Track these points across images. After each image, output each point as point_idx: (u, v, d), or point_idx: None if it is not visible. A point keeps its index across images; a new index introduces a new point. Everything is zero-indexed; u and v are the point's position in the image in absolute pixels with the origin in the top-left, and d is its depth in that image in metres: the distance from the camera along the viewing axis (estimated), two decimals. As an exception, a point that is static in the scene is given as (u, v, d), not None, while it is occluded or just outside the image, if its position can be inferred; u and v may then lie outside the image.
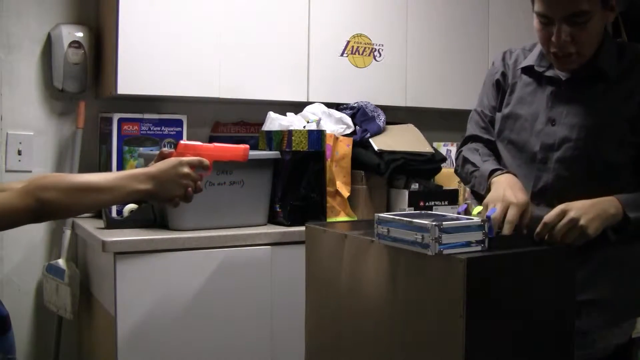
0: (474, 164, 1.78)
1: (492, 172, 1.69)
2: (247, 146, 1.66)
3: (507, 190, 1.57)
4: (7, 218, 1.25)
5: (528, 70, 1.75)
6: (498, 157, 1.80)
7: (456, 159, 1.94)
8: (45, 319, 2.59)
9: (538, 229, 1.50)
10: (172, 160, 1.48)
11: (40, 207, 1.27)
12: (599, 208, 1.49)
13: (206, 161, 1.53)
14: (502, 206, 1.54)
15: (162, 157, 1.54)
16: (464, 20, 3.10)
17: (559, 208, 1.49)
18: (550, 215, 1.49)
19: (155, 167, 1.45)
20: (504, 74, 1.81)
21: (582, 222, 1.46)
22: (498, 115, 1.80)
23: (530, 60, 1.74)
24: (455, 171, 1.95)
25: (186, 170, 1.47)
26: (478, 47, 3.13)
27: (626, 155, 1.61)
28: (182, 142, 1.60)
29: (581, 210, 1.48)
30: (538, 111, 1.69)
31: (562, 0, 1.53)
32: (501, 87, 1.81)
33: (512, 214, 1.52)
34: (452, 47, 3.08)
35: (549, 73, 1.70)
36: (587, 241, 1.51)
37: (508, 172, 1.68)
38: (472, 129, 1.89)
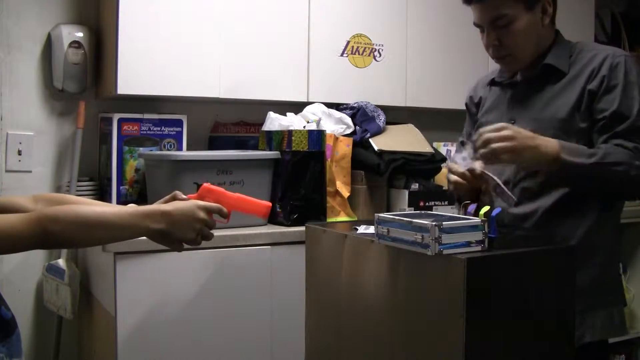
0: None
1: None
2: (270, 204, 1.63)
3: None
4: (10, 243, 1.23)
5: (493, 84, 1.92)
6: None
7: None
8: (45, 319, 2.59)
9: (476, 139, 1.59)
10: (191, 203, 1.43)
11: (46, 238, 1.24)
12: (535, 143, 1.58)
13: (225, 210, 1.49)
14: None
15: (174, 198, 1.49)
16: (464, 20, 3.08)
17: (501, 124, 1.59)
18: (490, 127, 1.58)
19: (171, 206, 1.41)
20: (470, 97, 2.01)
21: (514, 143, 1.55)
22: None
23: (493, 74, 1.93)
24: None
25: (203, 215, 1.43)
26: (478, 47, 3.10)
27: (574, 142, 1.68)
28: (205, 184, 1.55)
29: (520, 134, 1.57)
30: (502, 115, 1.83)
31: (483, 7, 1.73)
32: (470, 109, 2.01)
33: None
34: (452, 47, 3.08)
35: (507, 80, 1.86)
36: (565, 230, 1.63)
37: None
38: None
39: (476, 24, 1.79)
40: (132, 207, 1.41)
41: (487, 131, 1.57)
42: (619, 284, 1.82)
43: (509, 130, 1.56)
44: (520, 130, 1.58)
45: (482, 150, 1.56)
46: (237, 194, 1.58)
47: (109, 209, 1.40)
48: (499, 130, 1.56)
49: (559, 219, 1.70)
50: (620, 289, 1.81)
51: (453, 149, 3.01)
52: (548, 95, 1.74)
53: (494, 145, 1.54)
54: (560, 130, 1.69)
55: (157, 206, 1.41)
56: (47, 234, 1.24)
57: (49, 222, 1.24)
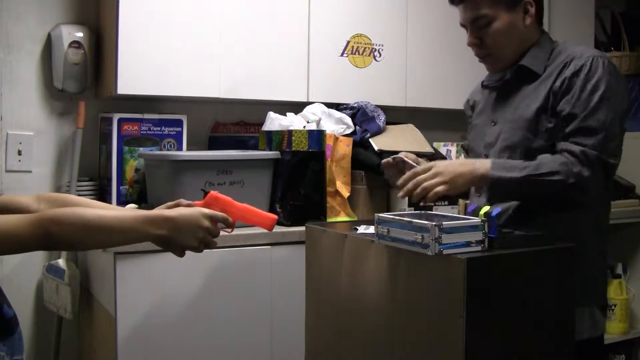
0: None
1: None
2: (275, 217, 1.60)
3: None
4: (12, 244, 1.23)
5: (483, 86, 1.95)
6: None
7: None
8: (45, 319, 2.59)
9: (406, 175, 1.66)
10: (196, 210, 1.42)
11: (47, 239, 1.24)
12: (466, 168, 1.65)
13: (230, 220, 1.48)
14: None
15: (178, 205, 1.48)
16: (464, 20, 3.10)
17: (430, 164, 1.67)
18: (420, 168, 1.67)
19: (176, 212, 1.40)
20: (467, 101, 2.04)
21: (444, 177, 1.62)
22: None
23: (484, 78, 1.96)
24: None
25: (207, 223, 1.41)
26: (478, 47, 3.13)
27: (542, 142, 1.70)
28: (213, 192, 1.54)
29: (448, 167, 1.64)
30: (487, 117, 1.86)
31: (465, 7, 1.77)
32: (466, 113, 2.04)
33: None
34: (452, 47, 3.08)
35: (493, 83, 1.88)
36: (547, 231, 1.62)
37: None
38: None
39: (461, 24, 1.83)
40: (135, 211, 1.40)
41: (416, 173, 1.65)
42: (602, 284, 1.79)
43: (437, 167, 1.64)
44: (448, 163, 1.66)
45: (416, 192, 1.63)
46: (245, 205, 1.56)
47: (112, 212, 1.39)
48: (426, 171, 1.64)
49: (532, 217, 1.69)
50: (603, 289, 1.79)
51: (453, 149, 3.01)
52: (522, 96, 1.76)
53: (425, 184, 1.61)
54: (527, 130, 1.71)
55: (161, 212, 1.40)
56: (49, 236, 1.24)
57: (51, 224, 1.24)
